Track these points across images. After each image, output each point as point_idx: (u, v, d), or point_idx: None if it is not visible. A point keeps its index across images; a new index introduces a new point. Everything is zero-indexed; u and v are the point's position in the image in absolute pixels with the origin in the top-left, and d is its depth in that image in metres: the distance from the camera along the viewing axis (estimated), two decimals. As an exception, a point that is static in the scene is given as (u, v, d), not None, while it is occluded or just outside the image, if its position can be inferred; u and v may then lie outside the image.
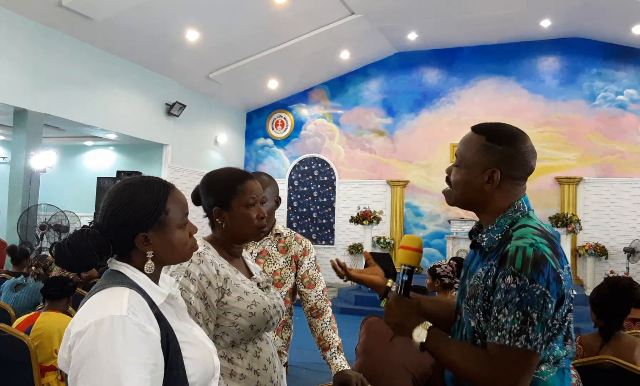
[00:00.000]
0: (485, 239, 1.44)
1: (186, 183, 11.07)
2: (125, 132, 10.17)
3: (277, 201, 2.50)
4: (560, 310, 1.33)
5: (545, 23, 10.59)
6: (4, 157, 12.11)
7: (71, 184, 11.92)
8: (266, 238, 2.45)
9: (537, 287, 1.27)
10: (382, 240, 11.98)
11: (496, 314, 1.31)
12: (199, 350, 1.31)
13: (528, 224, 1.40)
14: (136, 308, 1.17)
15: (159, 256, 1.30)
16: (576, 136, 11.21)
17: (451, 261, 3.95)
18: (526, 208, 1.45)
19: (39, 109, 8.36)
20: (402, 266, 1.56)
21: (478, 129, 1.50)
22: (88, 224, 1.28)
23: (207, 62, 10.78)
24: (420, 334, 1.41)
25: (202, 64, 10.82)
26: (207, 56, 10.48)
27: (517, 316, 1.27)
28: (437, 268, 3.82)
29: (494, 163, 1.43)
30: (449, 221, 11.15)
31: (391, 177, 12.43)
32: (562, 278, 1.31)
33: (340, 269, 1.76)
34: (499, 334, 1.29)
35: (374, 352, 2.70)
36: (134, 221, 1.26)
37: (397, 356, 2.62)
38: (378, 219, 10.82)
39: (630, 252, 10.30)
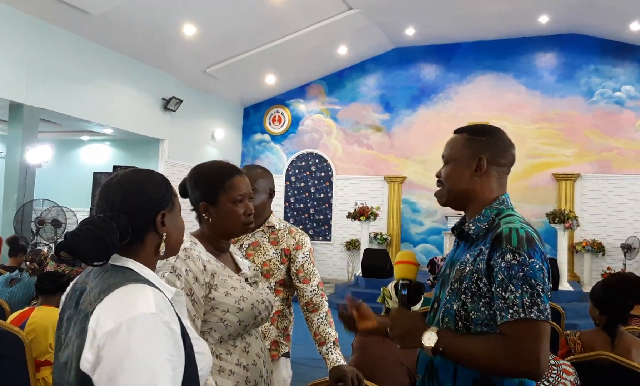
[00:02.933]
0: (472, 227, 1.52)
1: (182, 179, 10.99)
2: (122, 127, 10.12)
3: (271, 194, 2.48)
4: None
5: (543, 19, 10.57)
6: (-1, 152, 12.06)
7: (67, 179, 11.88)
8: (259, 229, 2.43)
9: (536, 262, 1.36)
10: (379, 236, 11.97)
11: (502, 294, 1.35)
12: (203, 345, 1.31)
13: (513, 214, 1.50)
14: (162, 305, 1.16)
15: (169, 239, 1.31)
16: (573, 132, 11.21)
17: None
18: (510, 203, 1.55)
19: (35, 103, 8.31)
20: (400, 281, 1.62)
21: (459, 130, 1.63)
22: (99, 215, 1.24)
23: (204, 57, 10.73)
24: (430, 337, 1.42)
25: (199, 59, 10.77)
26: (204, 51, 10.43)
27: (525, 289, 1.33)
28: (435, 260, 4.62)
29: (479, 151, 1.55)
30: (446, 217, 11.14)
31: (388, 173, 12.41)
32: (547, 259, 1.41)
33: (350, 318, 1.66)
34: (511, 311, 1.33)
35: (370, 347, 2.69)
36: (154, 199, 1.28)
37: (393, 351, 2.61)
38: (375, 216, 10.80)
39: (627, 248, 10.31)
